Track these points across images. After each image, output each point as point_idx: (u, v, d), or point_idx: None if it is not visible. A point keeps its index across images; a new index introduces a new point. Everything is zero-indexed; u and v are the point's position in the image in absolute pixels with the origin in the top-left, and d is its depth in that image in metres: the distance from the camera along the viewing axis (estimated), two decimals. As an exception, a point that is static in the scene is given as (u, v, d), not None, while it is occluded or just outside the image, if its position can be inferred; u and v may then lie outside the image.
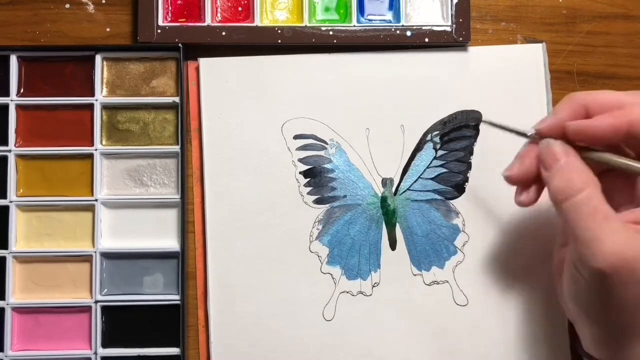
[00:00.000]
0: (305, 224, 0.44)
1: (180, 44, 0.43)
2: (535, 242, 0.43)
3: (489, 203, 0.44)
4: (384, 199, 0.44)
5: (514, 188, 0.44)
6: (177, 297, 0.43)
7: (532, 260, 0.43)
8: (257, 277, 0.43)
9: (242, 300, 0.43)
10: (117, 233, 0.44)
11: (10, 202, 0.43)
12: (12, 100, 0.44)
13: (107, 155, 0.44)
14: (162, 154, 0.44)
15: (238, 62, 0.44)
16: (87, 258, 0.43)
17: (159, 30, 0.43)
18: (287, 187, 0.44)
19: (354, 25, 0.44)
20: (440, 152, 0.44)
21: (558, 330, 0.43)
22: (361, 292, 0.43)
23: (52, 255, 0.43)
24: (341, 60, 0.44)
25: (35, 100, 0.44)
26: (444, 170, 0.44)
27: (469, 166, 0.44)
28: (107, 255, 0.43)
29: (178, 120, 0.44)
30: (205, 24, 0.44)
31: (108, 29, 0.45)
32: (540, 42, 0.45)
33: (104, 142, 0.44)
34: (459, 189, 0.44)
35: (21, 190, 0.44)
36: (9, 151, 0.43)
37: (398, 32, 0.44)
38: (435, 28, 0.44)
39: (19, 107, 0.44)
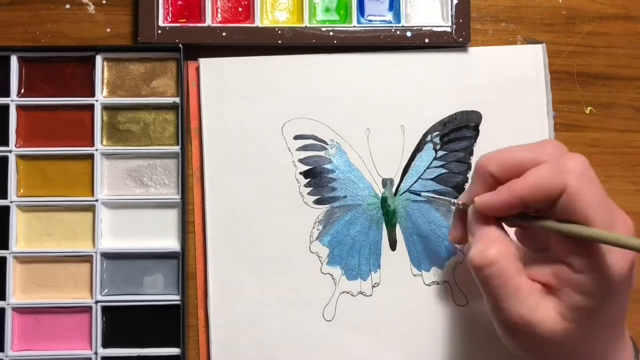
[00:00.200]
0: (305, 224, 0.44)
1: (180, 45, 0.44)
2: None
3: (489, 203, 0.44)
4: (384, 200, 0.44)
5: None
6: (177, 297, 0.43)
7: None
8: (257, 277, 0.43)
9: (242, 300, 0.43)
10: (117, 233, 0.44)
11: (11, 202, 0.43)
12: (12, 101, 0.44)
13: (108, 155, 0.44)
14: (163, 154, 0.44)
15: (238, 63, 0.44)
16: (87, 258, 0.43)
17: (159, 31, 0.43)
18: (287, 187, 0.44)
19: (354, 26, 0.44)
20: (440, 153, 0.44)
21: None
22: (361, 293, 0.43)
23: (53, 256, 0.43)
24: (341, 61, 0.44)
25: (35, 101, 0.44)
26: (444, 170, 0.44)
27: (469, 167, 0.44)
28: (108, 256, 0.43)
29: (178, 120, 0.44)
30: (205, 24, 0.44)
31: (108, 30, 0.45)
32: (541, 42, 0.45)
33: (104, 143, 0.44)
34: (459, 190, 0.44)
35: (21, 191, 0.44)
36: (10, 151, 0.43)
37: (398, 32, 0.44)
38: (435, 29, 0.44)
39: (19, 107, 0.44)
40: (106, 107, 0.44)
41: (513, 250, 0.34)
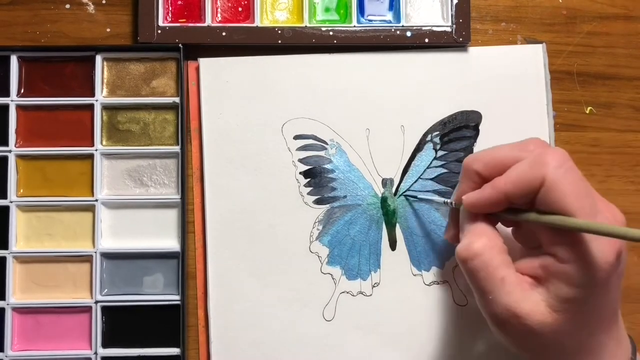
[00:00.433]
0: (305, 224, 0.44)
1: (180, 45, 0.44)
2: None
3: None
4: (384, 200, 0.44)
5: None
6: (177, 297, 0.43)
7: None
8: (257, 277, 0.43)
9: (242, 300, 0.43)
10: (117, 233, 0.44)
11: (11, 202, 0.43)
12: (12, 101, 0.44)
13: (108, 155, 0.44)
14: (162, 154, 0.44)
15: (238, 62, 0.44)
16: (87, 258, 0.43)
17: (159, 31, 0.43)
18: (287, 187, 0.44)
19: (354, 26, 0.44)
20: (440, 153, 0.44)
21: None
22: (361, 293, 0.43)
23: (53, 256, 0.43)
24: (341, 61, 0.44)
25: (35, 101, 0.44)
26: (444, 170, 0.44)
27: (468, 166, 0.44)
28: (107, 256, 0.43)
29: (178, 120, 0.44)
30: (205, 24, 0.44)
31: (108, 29, 0.45)
32: (541, 42, 0.45)
33: (104, 143, 0.44)
34: (459, 189, 0.44)
35: (21, 191, 0.44)
36: (9, 151, 0.43)
37: (398, 32, 0.44)
38: (435, 28, 0.44)
39: (19, 107, 0.44)
40: (106, 107, 0.44)
41: (499, 244, 0.35)
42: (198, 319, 0.43)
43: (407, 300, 0.43)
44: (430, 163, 0.44)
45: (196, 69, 0.44)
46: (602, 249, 0.32)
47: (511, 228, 0.38)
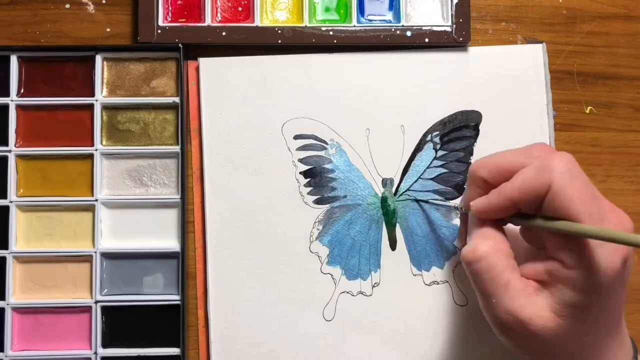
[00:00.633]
0: (305, 224, 0.44)
1: (180, 44, 0.43)
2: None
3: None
4: (384, 199, 0.44)
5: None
6: (177, 297, 0.43)
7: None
8: (257, 277, 0.43)
9: (242, 300, 0.43)
10: (117, 233, 0.44)
11: (11, 202, 0.43)
12: (12, 101, 0.44)
13: (108, 155, 0.44)
14: (162, 154, 0.44)
15: (238, 62, 0.44)
16: (87, 258, 0.43)
17: (159, 31, 0.43)
18: (287, 187, 0.44)
19: (354, 26, 0.44)
20: (440, 153, 0.44)
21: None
22: (361, 292, 0.43)
23: (52, 255, 0.43)
24: (341, 61, 0.44)
25: (35, 101, 0.44)
26: (444, 170, 0.44)
27: (469, 166, 0.44)
28: (107, 256, 0.43)
29: (178, 120, 0.44)
30: (205, 24, 0.44)
31: (108, 29, 0.45)
32: (541, 42, 0.45)
33: (104, 143, 0.44)
34: (459, 190, 0.44)
35: (21, 191, 0.44)
36: (9, 151, 0.43)
37: (398, 32, 0.44)
38: (435, 28, 0.44)
39: (19, 107, 0.44)
40: (106, 107, 0.44)
41: (505, 248, 0.34)
42: (198, 319, 0.43)
43: (407, 300, 0.43)
44: (430, 163, 0.44)
45: (196, 69, 0.44)
46: (608, 255, 0.31)
47: (519, 227, 0.38)
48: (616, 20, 0.46)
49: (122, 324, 0.43)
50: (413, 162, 0.44)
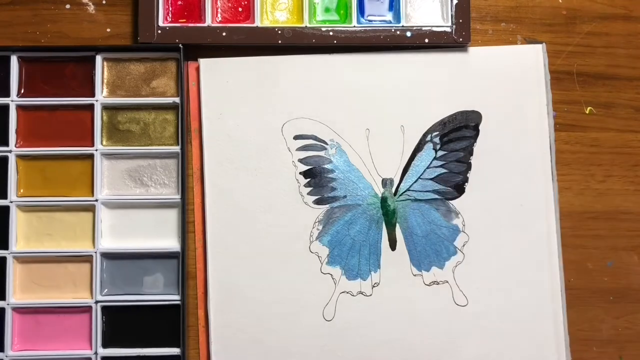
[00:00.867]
0: (305, 224, 0.44)
1: (180, 45, 0.44)
2: (535, 241, 0.44)
3: (489, 203, 0.44)
4: (384, 199, 0.44)
5: (514, 188, 0.45)
6: (177, 297, 0.43)
7: (531, 260, 0.43)
8: (257, 277, 0.43)
9: (242, 300, 0.43)
10: (117, 233, 0.44)
11: (11, 202, 0.43)
12: (12, 101, 0.44)
13: (108, 155, 0.44)
14: (163, 154, 0.44)
15: (238, 63, 0.44)
16: (87, 258, 0.43)
17: (159, 31, 0.43)
18: (287, 187, 0.44)
19: (354, 26, 0.44)
20: (440, 153, 0.44)
21: (558, 330, 0.43)
22: (361, 292, 0.43)
23: (53, 256, 0.43)
24: (341, 61, 0.44)
25: (35, 101, 0.44)
26: (444, 170, 0.44)
27: (468, 166, 0.44)
28: (108, 256, 0.43)
29: (178, 120, 0.44)
30: (205, 24, 0.44)
31: (108, 30, 0.45)
32: (540, 42, 0.45)
33: (104, 143, 0.44)
34: (459, 189, 0.44)
35: (21, 191, 0.44)
36: (10, 151, 0.43)
37: (398, 32, 0.44)
38: (435, 29, 0.44)
39: (19, 107, 0.44)
40: (106, 107, 0.44)
41: None
42: (198, 319, 0.43)
43: (407, 300, 0.43)
44: (430, 163, 0.44)
45: (196, 69, 0.44)
46: None
47: None
48: (616, 21, 0.46)
49: (122, 324, 0.43)
50: (413, 162, 0.44)
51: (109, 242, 0.44)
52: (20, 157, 0.44)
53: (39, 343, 0.43)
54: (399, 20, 0.44)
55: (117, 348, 0.43)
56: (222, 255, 0.43)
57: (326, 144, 0.44)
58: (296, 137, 0.44)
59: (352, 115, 0.44)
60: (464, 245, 0.44)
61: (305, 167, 0.44)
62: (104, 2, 0.45)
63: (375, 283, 0.44)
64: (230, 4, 0.45)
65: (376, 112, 0.44)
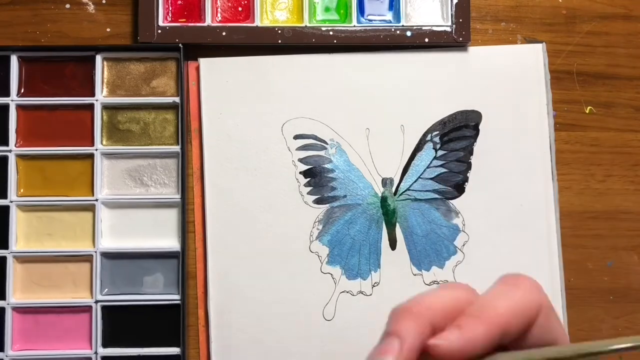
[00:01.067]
0: (305, 224, 0.44)
1: (180, 44, 0.44)
2: (535, 241, 0.43)
3: (489, 203, 0.44)
4: (384, 199, 0.44)
5: (514, 188, 0.45)
6: (177, 297, 0.43)
7: (531, 259, 0.43)
8: (257, 277, 0.43)
9: (242, 300, 0.43)
10: (117, 233, 0.44)
11: (11, 202, 0.43)
12: (12, 101, 0.44)
13: (108, 155, 0.44)
14: (163, 154, 0.44)
15: (238, 62, 0.44)
16: (87, 258, 0.43)
17: (159, 31, 0.43)
18: (287, 187, 0.44)
19: (354, 26, 0.44)
20: (440, 152, 0.44)
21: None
22: (361, 292, 0.43)
23: (53, 255, 0.43)
24: (341, 61, 0.44)
25: (35, 101, 0.44)
26: (444, 170, 0.44)
27: (468, 166, 0.44)
28: (108, 255, 0.43)
29: (178, 120, 0.44)
30: (205, 24, 0.44)
31: (108, 29, 0.45)
32: (540, 42, 0.45)
33: (104, 142, 0.44)
34: (459, 189, 0.44)
35: (21, 190, 0.44)
36: (10, 151, 0.43)
37: (398, 32, 0.44)
38: (435, 28, 0.44)
39: (19, 107, 0.44)
40: (106, 107, 0.44)
41: None
42: (198, 319, 0.43)
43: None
44: (430, 163, 0.44)
45: (196, 69, 0.44)
46: None
47: None
48: (616, 20, 0.46)
49: (122, 324, 0.43)
50: (413, 162, 0.44)
51: (109, 242, 0.44)
52: (20, 156, 0.44)
53: (38, 343, 0.43)
54: (399, 20, 0.44)
55: (117, 348, 0.43)
56: (222, 255, 0.43)
57: (326, 143, 0.44)
58: (296, 137, 0.44)
59: (352, 115, 0.44)
60: (464, 245, 0.44)
61: (305, 167, 0.44)
62: (103, 1, 0.45)
63: (375, 283, 0.44)
64: (230, 4, 0.45)
65: (376, 111, 0.44)
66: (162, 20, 0.44)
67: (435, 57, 0.44)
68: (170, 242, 0.44)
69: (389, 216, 0.44)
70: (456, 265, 0.44)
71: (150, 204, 0.44)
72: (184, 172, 0.43)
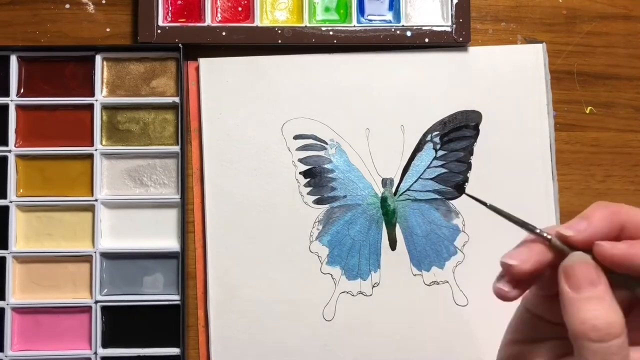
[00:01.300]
0: (305, 224, 0.44)
1: (180, 44, 0.43)
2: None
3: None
4: (384, 199, 0.44)
5: (514, 188, 0.45)
6: (177, 297, 0.43)
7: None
8: (257, 277, 0.43)
9: (242, 300, 0.43)
10: (117, 233, 0.44)
11: (10, 202, 0.43)
12: (12, 101, 0.44)
13: (107, 155, 0.44)
14: (162, 154, 0.44)
15: (238, 62, 0.44)
16: (87, 258, 0.43)
17: (159, 31, 0.43)
18: (287, 187, 0.44)
19: (354, 26, 0.44)
20: (440, 153, 0.44)
21: (558, 331, 0.43)
22: (361, 293, 0.43)
23: (52, 255, 0.43)
24: (341, 61, 0.44)
25: (35, 101, 0.44)
26: (444, 170, 0.44)
27: (469, 166, 0.44)
28: (107, 255, 0.43)
29: (178, 120, 0.44)
30: (205, 24, 0.44)
31: (108, 29, 0.45)
32: (541, 42, 0.45)
33: (104, 142, 0.44)
34: (459, 189, 0.44)
35: (21, 191, 0.44)
36: (9, 151, 0.43)
37: (398, 32, 0.44)
38: (435, 28, 0.44)
39: (19, 107, 0.44)
40: (106, 107, 0.44)
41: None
42: (198, 319, 0.43)
43: (407, 300, 0.43)
44: (430, 163, 0.44)
45: (196, 69, 0.44)
46: None
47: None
48: (616, 20, 0.46)
49: (122, 324, 0.43)
50: (413, 162, 0.44)
51: (108, 242, 0.44)
52: (19, 157, 0.44)
53: (38, 343, 0.43)
54: (399, 20, 0.44)
55: (117, 348, 0.43)
56: (222, 255, 0.43)
57: (326, 143, 0.44)
58: (296, 137, 0.44)
59: (352, 115, 0.44)
60: (464, 245, 0.44)
61: (305, 167, 0.44)
62: (103, 1, 0.45)
63: (375, 283, 0.44)
64: (230, 4, 0.44)
65: (376, 111, 0.44)
66: (162, 20, 0.44)
67: (435, 57, 0.44)
68: (170, 243, 0.44)
69: (389, 216, 0.44)
70: (456, 266, 0.44)
71: (150, 204, 0.44)
72: (183, 172, 0.43)
